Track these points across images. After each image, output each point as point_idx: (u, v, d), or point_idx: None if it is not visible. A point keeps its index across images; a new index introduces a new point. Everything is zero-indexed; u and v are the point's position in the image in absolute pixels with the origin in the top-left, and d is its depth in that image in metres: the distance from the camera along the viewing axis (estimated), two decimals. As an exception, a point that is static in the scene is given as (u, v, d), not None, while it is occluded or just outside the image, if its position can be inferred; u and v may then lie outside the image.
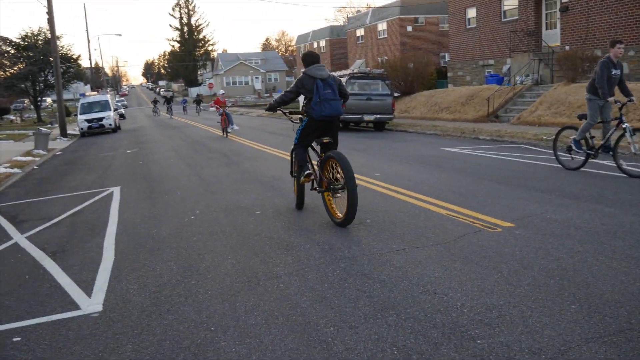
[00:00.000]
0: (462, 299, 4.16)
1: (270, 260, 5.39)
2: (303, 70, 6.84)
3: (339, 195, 6.58)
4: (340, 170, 6.34)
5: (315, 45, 67.90)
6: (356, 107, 19.78)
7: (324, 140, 6.75)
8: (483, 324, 3.72)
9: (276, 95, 31.30)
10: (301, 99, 7.13)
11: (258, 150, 15.39)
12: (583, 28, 21.51)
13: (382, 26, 48.01)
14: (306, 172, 6.72)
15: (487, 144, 14.73)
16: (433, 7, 45.02)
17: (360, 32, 52.47)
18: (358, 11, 70.44)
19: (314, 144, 7.08)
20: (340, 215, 6.40)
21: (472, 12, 29.05)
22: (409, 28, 45.09)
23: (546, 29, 24.19)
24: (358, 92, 20.08)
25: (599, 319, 3.70)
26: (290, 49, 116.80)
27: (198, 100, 48.53)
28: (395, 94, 25.07)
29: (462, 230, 6.02)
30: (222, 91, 24.06)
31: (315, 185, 6.96)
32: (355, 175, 9.29)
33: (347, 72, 22.27)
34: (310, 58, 6.76)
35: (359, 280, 4.66)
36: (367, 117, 20.08)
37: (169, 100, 42.55)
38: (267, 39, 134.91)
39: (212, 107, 28.75)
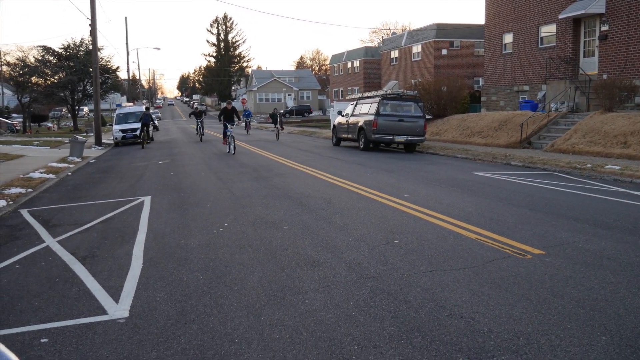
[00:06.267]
0: (489, 324, 4.09)
1: (296, 275, 5.39)
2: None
3: None
4: None
5: (349, 65, 68.29)
6: (388, 128, 19.78)
7: None
8: (510, 350, 3.65)
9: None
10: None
11: (288, 166, 15.47)
12: (622, 57, 21.21)
13: (417, 48, 48.09)
14: None
15: (519, 170, 14.55)
16: (469, 31, 44.99)
17: (394, 53, 52.62)
18: (393, 33, 70.75)
19: None
20: None
21: (508, 38, 28.88)
22: (444, 51, 45.09)
23: (584, 56, 23.91)
24: (390, 112, 20.09)
25: (630, 352, 3.60)
26: (324, 67, 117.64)
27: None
28: (428, 117, 25.00)
29: (492, 255, 5.94)
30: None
31: None
32: (385, 195, 9.28)
33: (380, 92, 22.31)
34: None
35: (385, 300, 4.63)
36: (398, 138, 20.04)
37: (198, 115, 31.85)
38: (301, 57, 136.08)
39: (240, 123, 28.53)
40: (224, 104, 23.41)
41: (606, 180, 12.09)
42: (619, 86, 19.06)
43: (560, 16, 23.79)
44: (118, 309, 4.64)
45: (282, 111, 36.47)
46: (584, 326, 4.04)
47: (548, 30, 25.88)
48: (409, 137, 20.10)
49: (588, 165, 13.96)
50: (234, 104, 20.63)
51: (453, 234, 6.94)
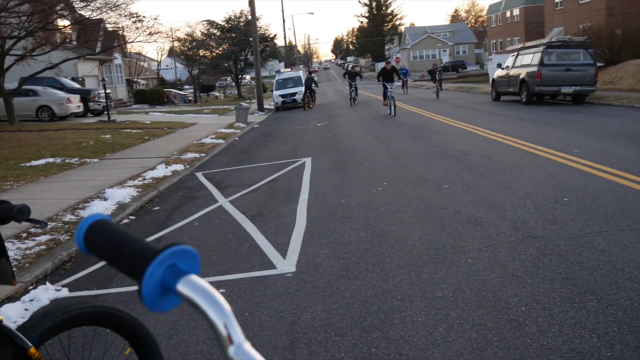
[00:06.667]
0: (677, 289, 3.71)
1: (458, 234, 5.29)
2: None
3: None
4: None
5: (508, 14, 64.26)
6: (553, 79, 18.41)
7: None
8: None
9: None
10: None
11: (446, 124, 15.10)
12: None
13: (586, -11, 43.84)
14: None
15: None
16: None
17: (559, -3, 48.51)
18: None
19: None
20: None
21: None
22: (619, -11, 40.54)
23: None
24: (556, 62, 18.64)
25: None
26: (480, 19, 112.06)
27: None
28: (599, 64, 22.85)
29: (679, 213, 5.35)
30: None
31: None
32: (552, 151, 8.73)
33: (544, 41, 20.76)
34: None
35: (555, 260, 4.38)
36: (564, 90, 18.58)
37: (352, 76, 27.53)
38: (456, 11, 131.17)
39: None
40: (382, 64, 23.19)
41: None
42: None
43: None
44: (286, 264, 4.91)
45: (440, 67, 31.92)
46: None
47: None
48: (578, 88, 18.54)
49: None
50: (384, 64, 20.19)
51: (632, 191, 6.33)
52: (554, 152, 9.15)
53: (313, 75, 29.90)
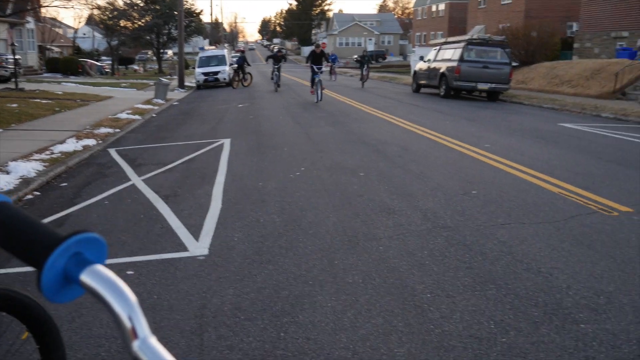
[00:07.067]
0: (568, 280, 3.97)
1: (371, 222, 5.41)
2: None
3: None
4: None
5: (433, 8, 65.78)
6: (471, 75, 19.10)
7: None
8: (589, 308, 3.54)
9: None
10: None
11: (366, 112, 15.33)
12: None
13: (507, -10, 45.52)
14: None
15: (609, 122, 13.76)
16: (566, -30, 42.02)
17: (482, -5, 50.15)
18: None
19: None
20: None
21: (609, -22, 26.89)
22: (537, -7, 42.34)
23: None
24: (475, 59, 19.34)
25: None
26: (407, 11, 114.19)
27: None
28: (514, 64, 23.89)
29: (575, 210, 5.71)
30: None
31: None
32: (464, 145, 9.07)
33: (465, 38, 21.47)
34: None
35: (460, 250, 4.58)
36: (480, 86, 19.35)
37: (277, 59, 24.67)
38: (384, 0, 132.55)
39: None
40: (309, 48, 23.13)
41: None
42: None
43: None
44: (198, 247, 4.84)
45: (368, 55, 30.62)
46: (672, 288, 3.85)
47: (654, -30, 23.84)
48: (493, 85, 19.36)
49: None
50: (313, 47, 20.00)
51: (534, 187, 6.70)
52: (467, 146, 9.51)
53: (244, 54, 29.41)
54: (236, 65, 28.32)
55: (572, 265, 4.25)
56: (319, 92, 18.46)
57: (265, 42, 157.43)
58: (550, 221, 5.35)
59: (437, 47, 22.49)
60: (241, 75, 28.59)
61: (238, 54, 31.65)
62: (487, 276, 4.06)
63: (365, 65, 27.86)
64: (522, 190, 6.57)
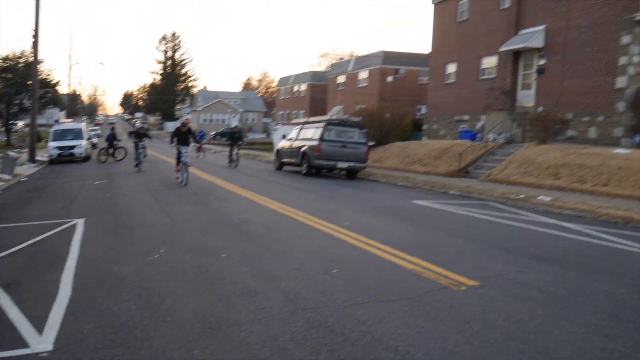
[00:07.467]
0: (423, 357, 4.12)
1: (232, 306, 5.29)
2: None
3: None
4: None
5: (296, 88, 68.61)
6: (331, 154, 19.89)
7: None
8: (442, 386, 3.68)
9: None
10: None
11: (229, 190, 15.31)
12: (557, 91, 22.12)
13: (363, 74, 48.84)
14: None
15: (456, 199, 14.89)
16: (414, 59, 46.13)
17: (341, 78, 53.31)
18: (341, 58, 71.65)
19: None
20: None
21: (452, 68, 29.80)
22: (390, 78, 45.87)
23: (522, 89, 24.89)
24: (334, 138, 20.21)
25: (557, 388, 3.69)
26: (270, 90, 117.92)
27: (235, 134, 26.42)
28: (370, 143, 25.33)
29: (428, 286, 6.01)
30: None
31: None
32: (325, 223, 9.30)
33: (325, 118, 22.51)
34: None
35: (322, 332, 4.59)
36: (340, 165, 20.17)
37: (140, 135, 23.53)
38: (248, 79, 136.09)
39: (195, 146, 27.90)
40: (173, 124, 22.83)
41: (538, 210, 12.51)
42: (553, 119, 19.90)
43: (501, 49, 24.74)
44: (41, 342, 4.41)
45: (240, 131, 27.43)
46: (514, 359, 4.13)
47: (489, 62, 26.86)
48: (351, 164, 20.29)
49: (521, 195, 14.43)
50: (177, 123, 19.61)
51: (391, 264, 6.99)
52: (327, 224, 9.77)
53: (94, 128, 28.98)
54: (99, 140, 27.91)
55: (427, 342, 4.42)
56: (185, 175, 16.54)
57: (127, 116, 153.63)
58: (406, 297, 5.57)
59: (299, 126, 23.28)
60: (111, 151, 28.21)
61: (97, 128, 30.92)
62: (348, 358, 4.10)
63: (236, 146, 25.15)
64: (380, 267, 6.82)
